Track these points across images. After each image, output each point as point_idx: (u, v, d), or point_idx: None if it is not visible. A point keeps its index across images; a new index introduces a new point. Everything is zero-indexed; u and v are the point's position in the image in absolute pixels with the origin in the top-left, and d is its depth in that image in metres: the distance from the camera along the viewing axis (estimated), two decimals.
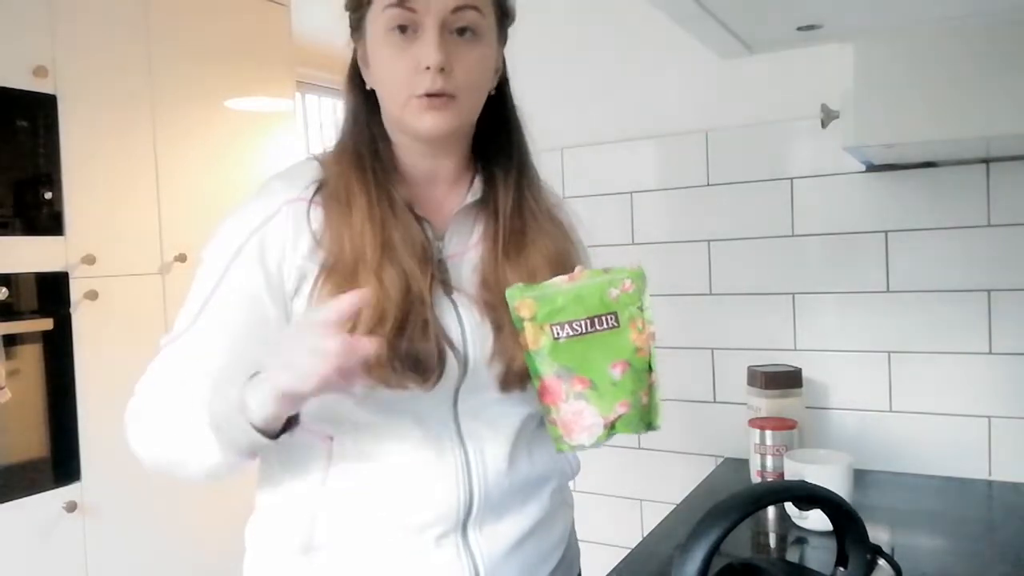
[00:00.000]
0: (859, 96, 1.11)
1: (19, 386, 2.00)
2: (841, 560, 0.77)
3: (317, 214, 0.86)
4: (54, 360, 2.09)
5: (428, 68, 0.83)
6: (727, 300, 1.63)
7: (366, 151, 0.90)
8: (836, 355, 1.53)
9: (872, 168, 1.48)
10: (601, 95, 1.75)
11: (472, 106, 0.89)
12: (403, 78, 0.84)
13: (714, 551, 0.68)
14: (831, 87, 1.22)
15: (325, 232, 0.86)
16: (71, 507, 2.08)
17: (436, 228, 0.91)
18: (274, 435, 0.77)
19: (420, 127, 0.86)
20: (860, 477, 1.28)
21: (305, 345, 0.71)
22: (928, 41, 1.07)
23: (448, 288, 0.89)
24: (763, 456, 1.40)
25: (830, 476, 1.18)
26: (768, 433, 1.40)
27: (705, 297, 1.65)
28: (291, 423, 0.79)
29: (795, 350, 1.56)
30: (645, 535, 1.26)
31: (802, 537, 1.21)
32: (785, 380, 1.47)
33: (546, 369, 0.80)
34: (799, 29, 0.92)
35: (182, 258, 2.38)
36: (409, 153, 0.92)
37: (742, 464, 1.51)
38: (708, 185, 1.64)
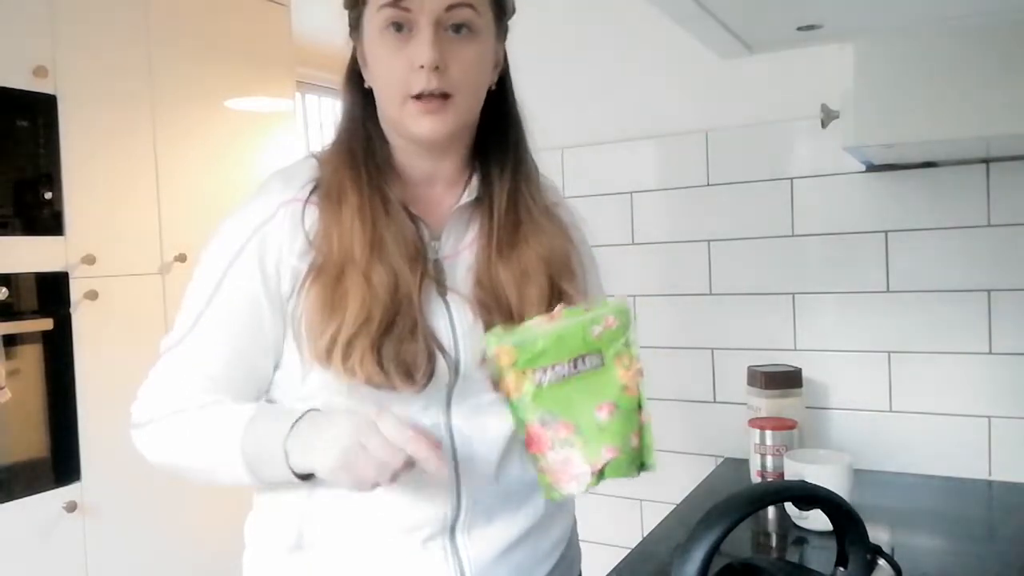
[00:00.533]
0: (859, 96, 1.11)
1: (19, 386, 2.00)
2: (841, 560, 0.77)
3: (311, 214, 0.86)
4: (54, 360, 2.08)
5: (422, 67, 0.82)
6: (727, 300, 1.63)
7: (360, 150, 0.89)
8: (836, 355, 1.53)
9: (872, 168, 1.48)
10: (601, 95, 1.75)
11: (470, 105, 0.88)
12: (398, 77, 0.84)
13: (714, 551, 0.68)
14: (831, 87, 1.22)
15: (317, 231, 0.86)
16: (71, 507, 2.08)
17: (432, 228, 0.91)
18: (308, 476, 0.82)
19: (418, 131, 0.86)
20: (860, 477, 1.28)
21: (373, 457, 0.75)
22: (928, 41, 1.07)
23: (442, 289, 0.89)
24: (763, 456, 1.40)
25: (830, 476, 1.18)
26: (768, 433, 1.39)
27: (705, 297, 1.65)
28: None
29: (795, 350, 1.56)
30: (645, 535, 1.26)
31: (802, 537, 1.21)
32: (785, 380, 1.47)
33: (530, 416, 0.76)
34: (799, 29, 0.92)
35: (182, 258, 2.38)
36: (406, 153, 0.92)
37: (742, 464, 1.51)
38: (708, 185, 1.64)
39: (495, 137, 0.94)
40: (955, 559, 1.13)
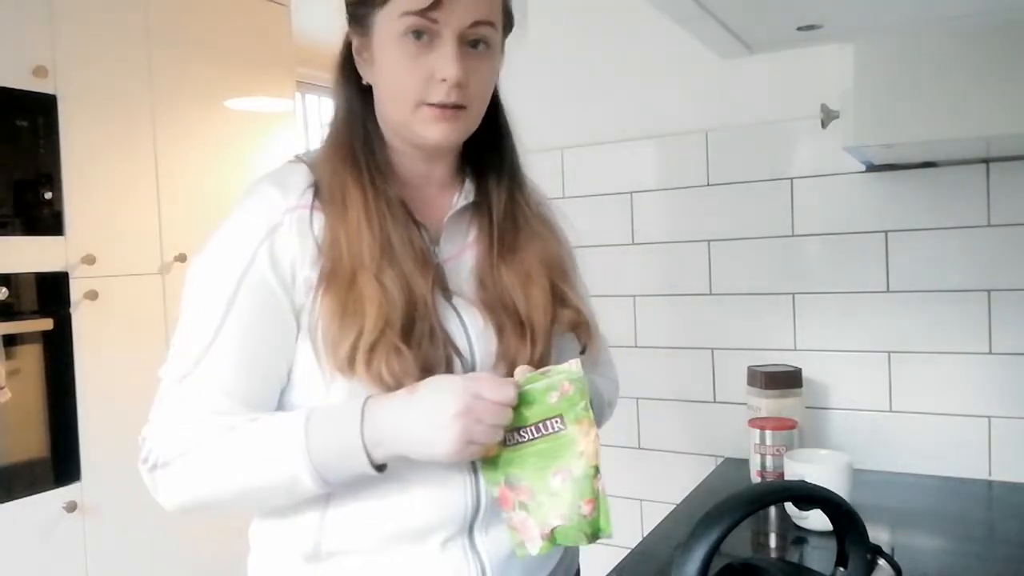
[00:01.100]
0: (859, 96, 1.11)
1: (19, 386, 2.00)
2: (841, 560, 0.77)
3: (319, 220, 0.84)
4: (54, 360, 2.09)
5: (444, 80, 0.82)
6: (727, 300, 1.63)
7: (360, 149, 0.88)
8: (836, 355, 1.53)
9: (872, 168, 1.48)
10: (601, 95, 1.75)
11: (479, 116, 0.89)
12: (415, 85, 0.83)
13: (714, 551, 0.68)
14: (831, 87, 1.22)
15: (325, 238, 0.84)
16: (71, 507, 2.08)
17: (430, 232, 0.91)
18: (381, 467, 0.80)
19: (429, 136, 0.85)
20: (860, 477, 1.28)
21: (483, 422, 0.75)
22: (928, 41, 1.07)
23: (447, 293, 0.89)
24: (763, 456, 1.40)
25: (830, 476, 1.18)
26: (768, 433, 1.40)
27: (705, 297, 1.65)
28: None
29: (795, 350, 1.56)
30: (645, 535, 1.26)
31: (802, 537, 1.21)
32: (785, 380, 1.47)
33: (498, 477, 0.80)
34: (799, 29, 0.92)
35: (182, 258, 2.38)
36: (403, 155, 0.91)
37: (742, 464, 1.51)
38: (708, 185, 1.64)
39: (489, 142, 0.95)
40: (955, 559, 1.13)
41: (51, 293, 2.08)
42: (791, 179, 1.56)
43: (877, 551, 0.76)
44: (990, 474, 1.42)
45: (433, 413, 0.76)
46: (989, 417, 1.42)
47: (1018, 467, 1.40)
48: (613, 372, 1.11)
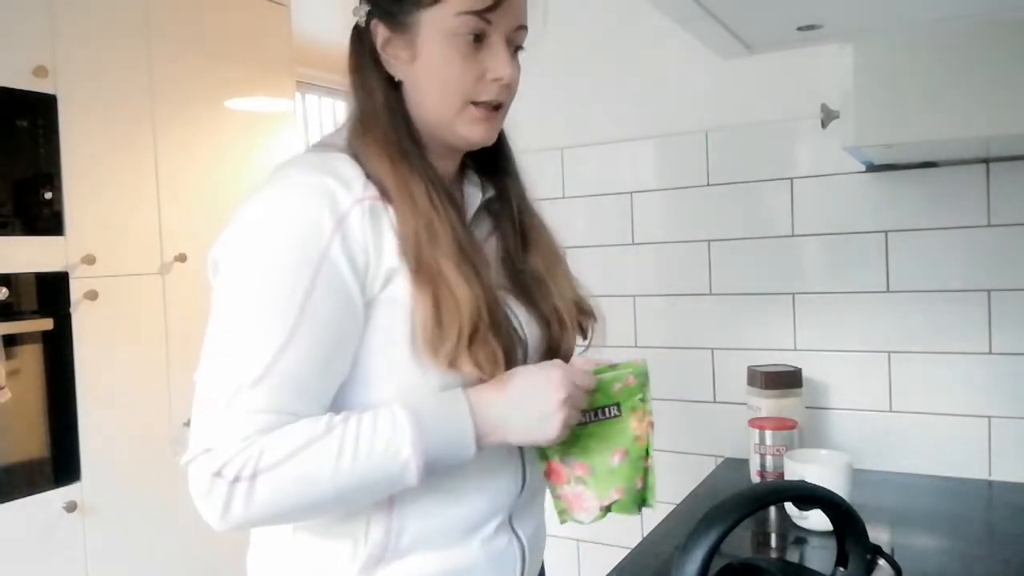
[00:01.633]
0: (859, 96, 1.11)
1: (19, 386, 2.00)
2: (841, 560, 0.77)
3: (391, 211, 0.82)
4: (54, 360, 2.08)
5: (496, 80, 0.85)
6: (727, 300, 1.63)
7: (408, 145, 0.86)
8: (836, 355, 1.53)
9: (872, 168, 1.48)
10: (601, 95, 1.75)
11: (505, 117, 0.92)
12: (467, 84, 0.84)
13: (714, 551, 0.68)
14: (831, 87, 1.22)
15: (400, 231, 0.82)
16: (71, 507, 2.08)
17: None
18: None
19: (470, 136, 0.87)
20: (860, 477, 1.28)
21: (576, 408, 0.82)
22: (928, 41, 1.07)
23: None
24: (763, 456, 1.40)
25: (830, 476, 1.18)
26: (768, 433, 1.40)
27: (705, 297, 1.65)
28: None
29: (795, 350, 1.56)
30: (645, 535, 1.26)
31: (802, 537, 1.21)
32: (785, 380, 1.47)
33: (552, 454, 0.87)
34: (799, 29, 0.92)
35: (182, 258, 2.38)
36: (428, 152, 0.90)
37: (742, 464, 1.51)
38: (708, 185, 1.64)
39: (497, 142, 0.95)
40: (955, 559, 1.13)
41: (51, 293, 2.08)
42: (791, 179, 1.56)
43: (877, 551, 0.76)
44: (990, 474, 1.42)
45: (540, 402, 0.81)
46: (989, 417, 1.42)
47: (1018, 467, 1.40)
48: None
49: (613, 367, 0.88)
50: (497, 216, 0.97)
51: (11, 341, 1.99)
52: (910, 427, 1.48)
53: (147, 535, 2.26)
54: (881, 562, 0.76)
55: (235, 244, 0.80)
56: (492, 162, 0.97)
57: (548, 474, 0.88)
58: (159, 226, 2.37)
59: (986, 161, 1.40)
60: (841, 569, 0.77)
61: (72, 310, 2.12)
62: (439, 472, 0.81)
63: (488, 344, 0.81)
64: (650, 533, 1.26)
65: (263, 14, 2.77)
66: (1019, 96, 1.02)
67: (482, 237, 0.94)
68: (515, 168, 0.99)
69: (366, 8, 0.87)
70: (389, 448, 0.77)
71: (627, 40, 1.71)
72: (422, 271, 0.81)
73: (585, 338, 0.99)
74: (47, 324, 2.05)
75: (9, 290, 1.96)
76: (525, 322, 0.92)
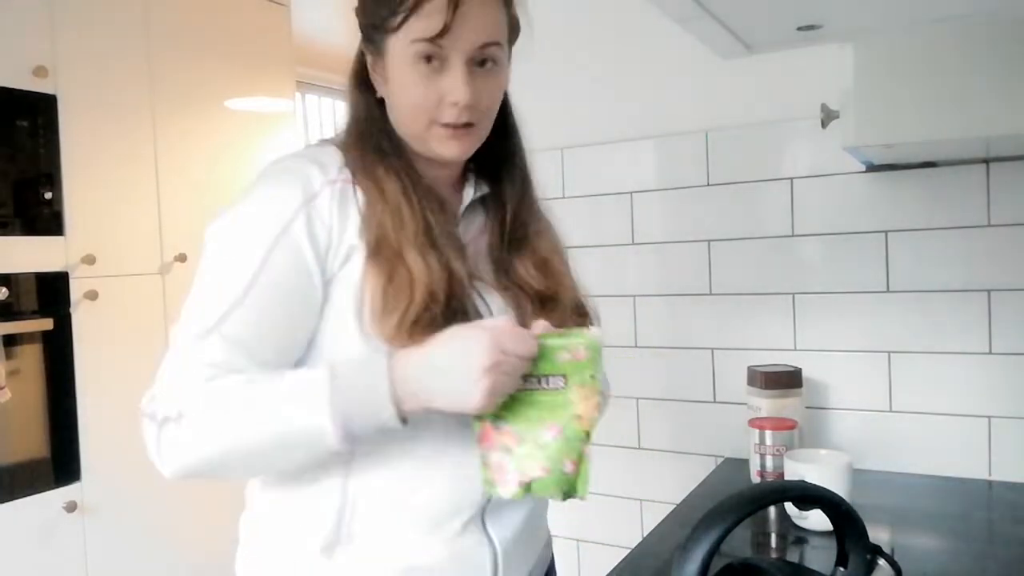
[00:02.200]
0: (859, 96, 1.11)
1: (19, 386, 2.00)
2: (841, 560, 0.77)
3: (359, 194, 0.87)
4: (54, 360, 2.09)
5: (454, 103, 0.85)
6: (727, 300, 1.63)
7: (386, 145, 0.91)
8: (836, 355, 1.53)
9: (872, 168, 1.48)
10: (601, 95, 1.75)
11: (488, 129, 0.93)
12: (427, 106, 0.87)
13: (714, 551, 0.68)
14: (831, 87, 1.22)
15: (367, 212, 0.86)
16: (71, 507, 2.08)
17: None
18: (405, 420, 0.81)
19: (443, 153, 0.89)
20: (860, 477, 1.28)
21: (508, 373, 0.77)
22: (928, 41, 1.07)
23: (470, 277, 0.92)
24: (763, 456, 1.40)
25: (830, 476, 1.18)
26: (768, 433, 1.40)
27: (705, 297, 1.65)
28: None
29: (795, 350, 1.56)
30: (645, 535, 1.26)
31: (802, 537, 1.21)
32: (785, 380, 1.47)
33: (486, 416, 0.81)
34: (799, 29, 0.92)
35: (182, 258, 2.38)
36: (416, 159, 0.94)
37: (742, 464, 1.51)
38: (708, 185, 1.64)
39: (499, 143, 0.98)
40: (955, 559, 1.13)
41: (51, 293, 2.08)
42: (791, 179, 1.56)
43: (877, 551, 0.76)
44: (990, 474, 1.42)
45: (463, 366, 0.77)
46: (989, 417, 1.42)
47: (1018, 467, 1.40)
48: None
49: (564, 335, 0.82)
50: (491, 215, 0.98)
51: (11, 341, 1.99)
52: (910, 427, 1.48)
53: (147, 535, 2.27)
54: (881, 562, 0.76)
55: (219, 219, 0.87)
56: (492, 164, 0.99)
57: (480, 438, 0.82)
58: (159, 226, 2.38)
59: (986, 161, 1.40)
60: (841, 569, 0.77)
61: (72, 310, 2.12)
62: (367, 437, 0.80)
63: (435, 327, 0.81)
64: (650, 533, 1.26)
65: (263, 14, 2.77)
66: (1019, 96, 1.02)
67: (472, 233, 0.96)
68: (516, 171, 0.99)
69: (359, 32, 0.93)
70: (302, 403, 0.78)
71: (627, 40, 1.71)
72: (381, 250, 0.84)
73: None
74: (47, 324, 2.06)
75: (9, 290, 1.96)
76: (499, 312, 0.91)
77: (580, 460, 0.81)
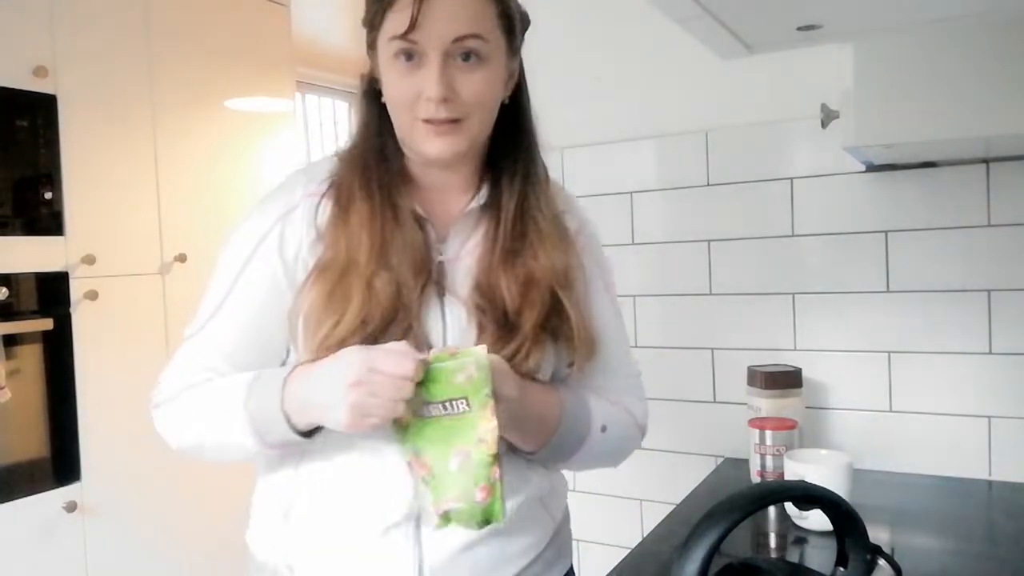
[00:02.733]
0: (859, 96, 1.11)
1: (19, 386, 2.00)
2: (841, 560, 0.77)
3: (325, 209, 0.91)
4: (54, 360, 2.08)
5: (428, 99, 0.86)
6: (727, 300, 1.63)
7: (373, 160, 0.93)
8: (836, 355, 1.53)
9: (872, 168, 1.48)
10: (601, 95, 1.75)
11: (481, 124, 0.91)
12: (407, 103, 0.88)
13: (714, 551, 0.68)
14: (831, 87, 1.22)
15: (327, 229, 0.90)
16: (71, 507, 2.08)
17: (439, 231, 0.93)
18: (310, 434, 0.86)
19: (428, 151, 0.89)
20: (860, 477, 1.28)
21: (378, 395, 0.76)
22: (928, 41, 1.07)
23: (441, 290, 0.91)
24: (763, 456, 1.40)
25: (830, 476, 1.18)
26: (768, 433, 1.40)
27: (705, 297, 1.65)
28: None
29: (795, 350, 1.56)
30: (645, 535, 1.26)
31: (802, 537, 1.21)
32: (785, 380, 1.47)
33: (407, 445, 0.80)
34: (799, 29, 0.92)
35: (182, 258, 2.38)
36: (419, 164, 0.94)
37: (742, 464, 1.51)
38: (708, 185, 1.64)
39: (506, 146, 0.96)
40: (955, 559, 1.13)
41: (51, 293, 2.08)
42: (791, 179, 1.56)
43: (877, 551, 0.76)
44: (990, 474, 1.42)
45: (331, 383, 0.79)
46: (989, 417, 1.42)
47: (1018, 467, 1.40)
48: (631, 402, 1.07)
49: (455, 356, 0.79)
50: (492, 223, 0.94)
51: (11, 341, 1.99)
52: (910, 427, 1.48)
53: (147, 535, 2.26)
54: (881, 562, 0.76)
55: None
56: (504, 168, 0.96)
57: (408, 468, 0.81)
58: (159, 226, 2.37)
59: (986, 161, 1.40)
60: (841, 569, 0.77)
61: (72, 310, 2.12)
62: (282, 443, 0.86)
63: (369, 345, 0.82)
64: (650, 533, 1.26)
65: (263, 14, 2.77)
66: (1019, 96, 1.02)
67: (470, 244, 0.93)
68: (522, 173, 0.95)
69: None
70: (232, 407, 0.86)
71: (627, 40, 1.71)
72: (328, 269, 0.88)
73: (570, 366, 0.94)
74: (47, 324, 2.06)
75: (9, 290, 1.96)
76: (459, 332, 0.89)
77: (491, 485, 0.78)
